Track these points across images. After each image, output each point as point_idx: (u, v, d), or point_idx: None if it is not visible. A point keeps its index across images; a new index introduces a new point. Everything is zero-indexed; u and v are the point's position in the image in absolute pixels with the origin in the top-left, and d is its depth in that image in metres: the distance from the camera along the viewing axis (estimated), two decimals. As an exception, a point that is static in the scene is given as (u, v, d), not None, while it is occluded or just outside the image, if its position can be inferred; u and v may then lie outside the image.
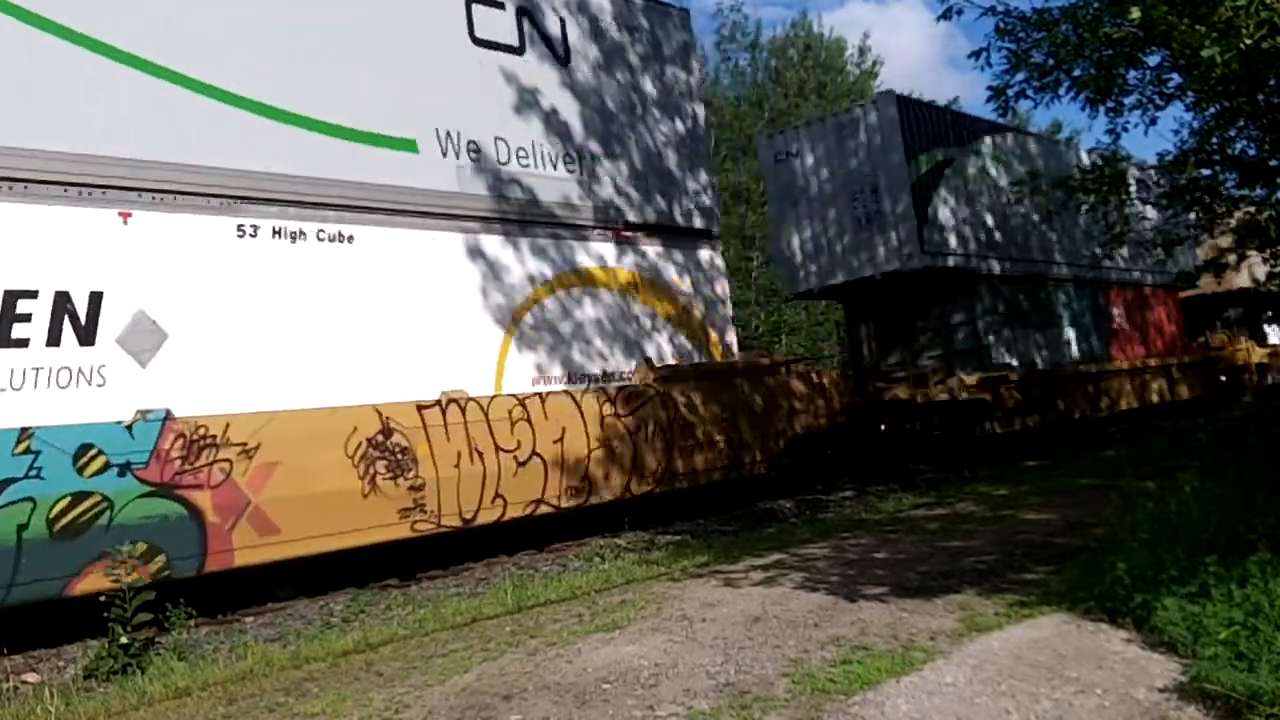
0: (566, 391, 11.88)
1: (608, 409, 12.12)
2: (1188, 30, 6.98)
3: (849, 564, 8.12)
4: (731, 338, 14.94)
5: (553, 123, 12.87)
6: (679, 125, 14.82)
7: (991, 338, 18.60)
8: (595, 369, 12.61)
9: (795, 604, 6.66)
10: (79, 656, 7.66)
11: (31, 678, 7.27)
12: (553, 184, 12.66)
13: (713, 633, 6.02)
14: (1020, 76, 9.25)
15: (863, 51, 40.60)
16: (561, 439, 11.47)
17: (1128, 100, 9.64)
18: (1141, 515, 7.09)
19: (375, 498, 9.69)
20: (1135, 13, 7.02)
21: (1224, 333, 27.82)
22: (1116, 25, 8.18)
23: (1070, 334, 21.21)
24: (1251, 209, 13.02)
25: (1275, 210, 10.84)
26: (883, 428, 18.01)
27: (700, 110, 15.37)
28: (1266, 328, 29.51)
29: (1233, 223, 14.20)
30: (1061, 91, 9.34)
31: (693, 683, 5.07)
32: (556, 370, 12.13)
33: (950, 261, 17.91)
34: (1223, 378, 26.49)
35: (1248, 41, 6.48)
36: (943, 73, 73.56)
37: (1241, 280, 26.11)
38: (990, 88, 9.41)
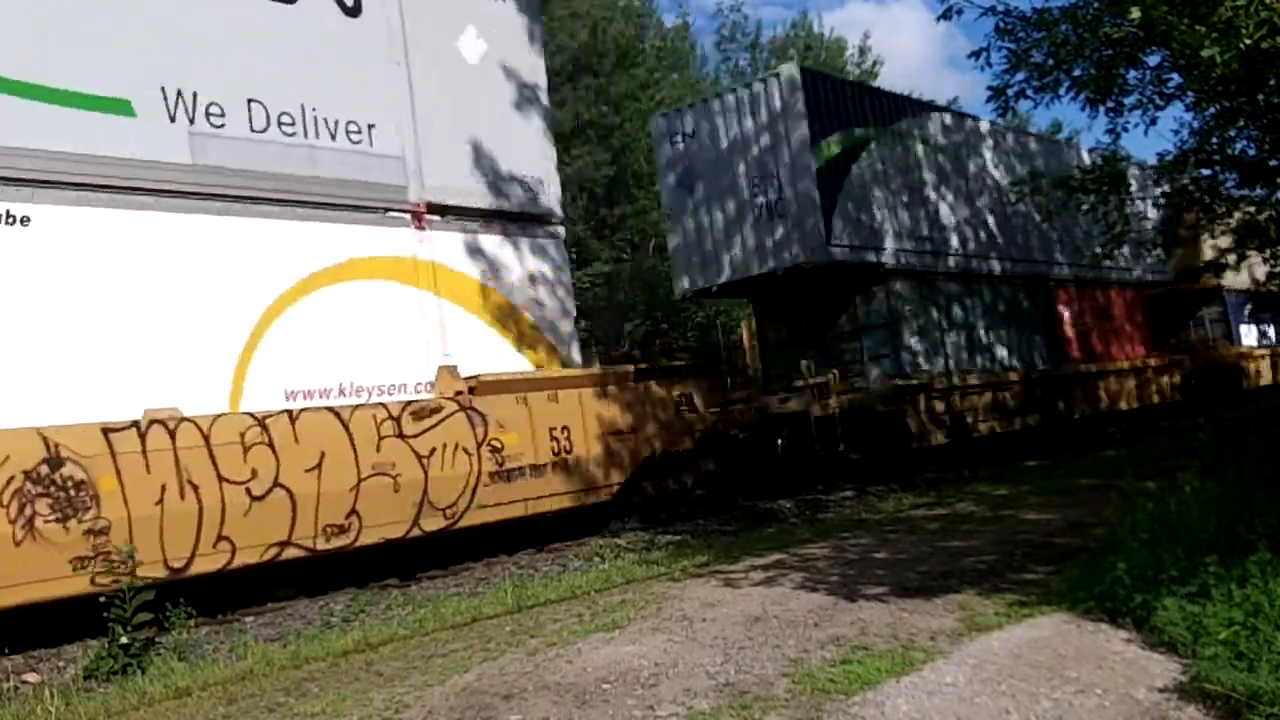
0: (330, 409, 9.70)
1: (389, 428, 9.94)
2: (1188, 30, 6.98)
3: (849, 564, 8.12)
4: (573, 341, 12.97)
5: (333, 85, 10.79)
6: (508, 92, 12.76)
7: (914, 342, 16.83)
8: (381, 380, 10.53)
9: (795, 604, 6.66)
10: (79, 656, 7.67)
11: (32, 678, 7.27)
12: (332, 157, 10.57)
13: (713, 632, 6.02)
14: (1020, 76, 9.26)
15: (863, 52, 40.65)
16: (319, 466, 9.37)
17: (1128, 100, 9.64)
18: (1141, 515, 7.09)
19: (32, 545, 7.79)
20: (1135, 13, 7.03)
21: (1197, 334, 26.50)
22: (1116, 25, 8.18)
23: (1011, 336, 19.38)
24: (1251, 209, 13.03)
25: (1275, 210, 10.84)
26: (780, 443, 15.98)
27: (539, 76, 13.25)
28: (1243, 328, 28.14)
29: (1232, 223, 14.18)
30: (1061, 91, 9.35)
31: (693, 682, 5.07)
32: (325, 382, 10.07)
33: (868, 256, 16.16)
34: (1192, 381, 25.00)
35: (1247, 41, 6.48)
36: (943, 73, 73.59)
37: (1229, 278, 25.60)
38: (990, 88, 9.43)
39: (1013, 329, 19.45)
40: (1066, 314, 21.38)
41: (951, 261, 18.28)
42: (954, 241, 18.48)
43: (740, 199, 16.07)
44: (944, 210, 18.23)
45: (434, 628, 7.35)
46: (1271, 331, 29.59)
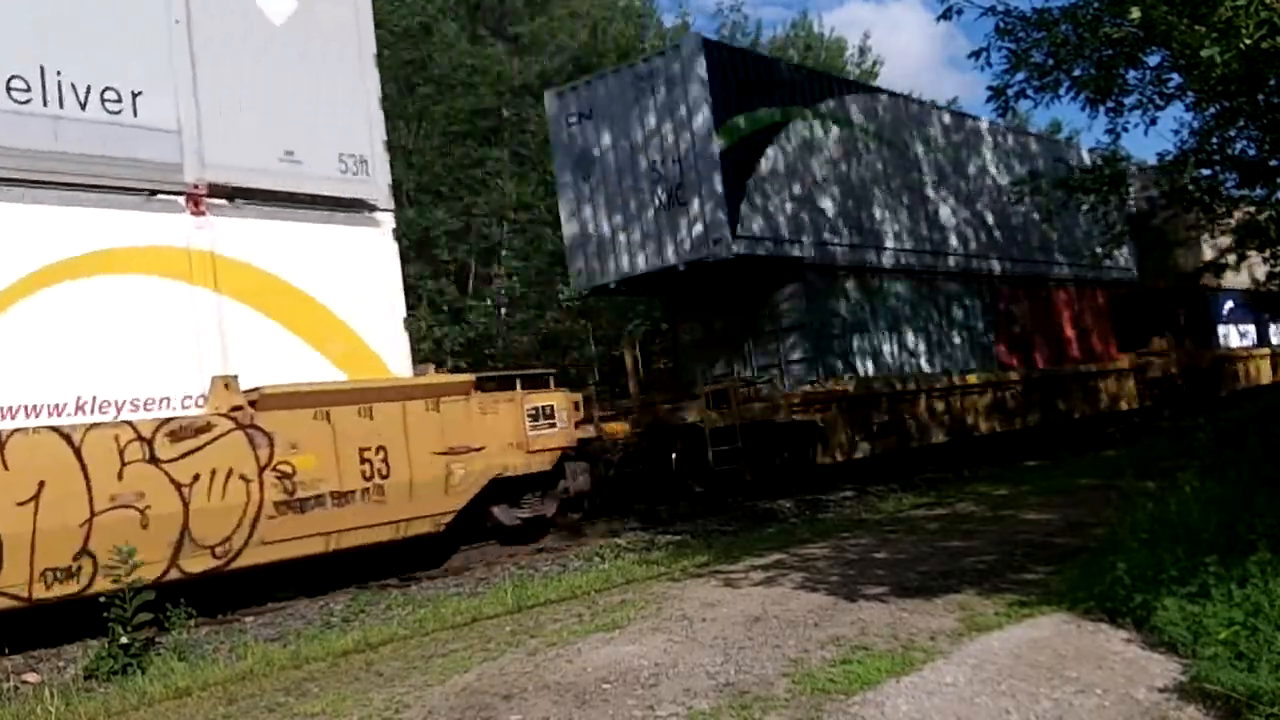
0: (55, 429, 8.04)
1: (136, 451, 8.30)
2: (1188, 30, 6.98)
3: (849, 564, 8.13)
4: (400, 347, 10.84)
5: (86, 44, 9.10)
6: (324, 59, 10.80)
7: (837, 344, 15.44)
8: (136, 394, 8.81)
9: (795, 604, 6.66)
10: (79, 656, 7.67)
11: (32, 678, 7.27)
12: (80, 129, 8.88)
13: (713, 632, 6.02)
14: (1020, 76, 9.27)
15: (863, 52, 40.64)
16: (36, 499, 7.78)
17: (1128, 100, 9.65)
18: (1141, 515, 7.09)
19: None
20: (1135, 13, 7.02)
21: (1167, 336, 24.35)
22: (1116, 25, 8.18)
23: (950, 338, 17.94)
24: (1251, 209, 13.03)
25: (1275, 210, 10.85)
26: (674, 456, 14.78)
27: (365, 41, 11.21)
28: (1221, 329, 26.88)
29: (1232, 223, 14.16)
30: (1061, 91, 9.35)
31: (693, 682, 5.07)
32: (57, 396, 8.38)
33: (787, 249, 14.68)
34: (1162, 385, 23.35)
35: (1247, 41, 6.48)
36: (942, 73, 73.62)
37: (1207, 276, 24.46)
38: (990, 88, 9.43)
39: (957, 331, 18.18)
40: (1017, 314, 20.02)
41: (889, 257, 16.89)
42: (891, 234, 17.05)
43: (639, 186, 14.66)
44: (880, 199, 16.88)
45: (434, 628, 7.35)
46: (1254, 331, 28.73)
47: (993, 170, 20.23)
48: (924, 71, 71.62)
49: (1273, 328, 29.80)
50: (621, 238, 14.87)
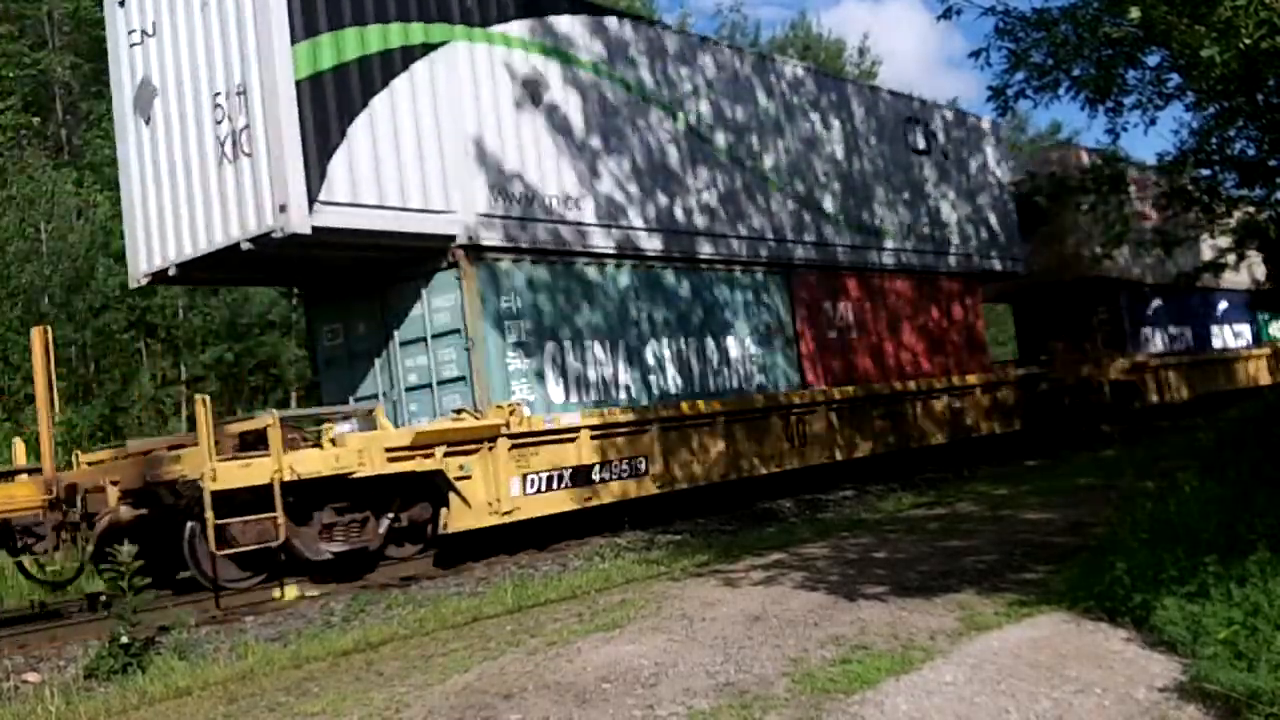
0: None
1: None
2: (1187, 30, 6.98)
3: (849, 563, 8.13)
4: None
5: None
6: None
7: (519, 360, 11.42)
8: None
9: (795, 603, 6.66)
10: (79, 656, 7.67)
11: (32, 677, 7.27)
12: None
13: (713, 632, 6.03)
14: (1020, 76, 9.26)
15: (862, 52, 40.63)
16: None
17: (1127, 100, 9.67)
18: (1141, 515, 7.11)
19: None
20: (1135, 12, 7.02)
21: (1061, 341, 20.67)
22: (1116, 25, 8.18)
23: (719, 347, 13.82)
24: (1251, 209, 13.04)
25: (1274, 210, 10.86)
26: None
27: None
28: (1145, 331, 23.02)
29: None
30: (1061, 91, 9.35)
31: (693, 682, 5.07)
32: None
33: (431, 225, 10.75)
34: (1046, 403, 19.46)
35: (1247, 41, 6.48)
36: (941, 72, 73.58)
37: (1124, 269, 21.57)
38: (990, 87, 9.44)
39: (731, 337, 14.04)
40: (830, 312, 15.66)
41: (612, 237, 12.55)
42: (605, 203, 12.60)
43: (202, 130, 10.70)
44: (587, 155, 12.55)
45: (434, 627, 7.35)
46: (1189, 334, 24.90)
47: (808, 125, 16.09)
48: (921, 71, 71.56)
49: (1221, 329, 26.73)
50: (185, 203, 10.89)
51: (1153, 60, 9.31)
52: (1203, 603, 5.17)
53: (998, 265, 19.83)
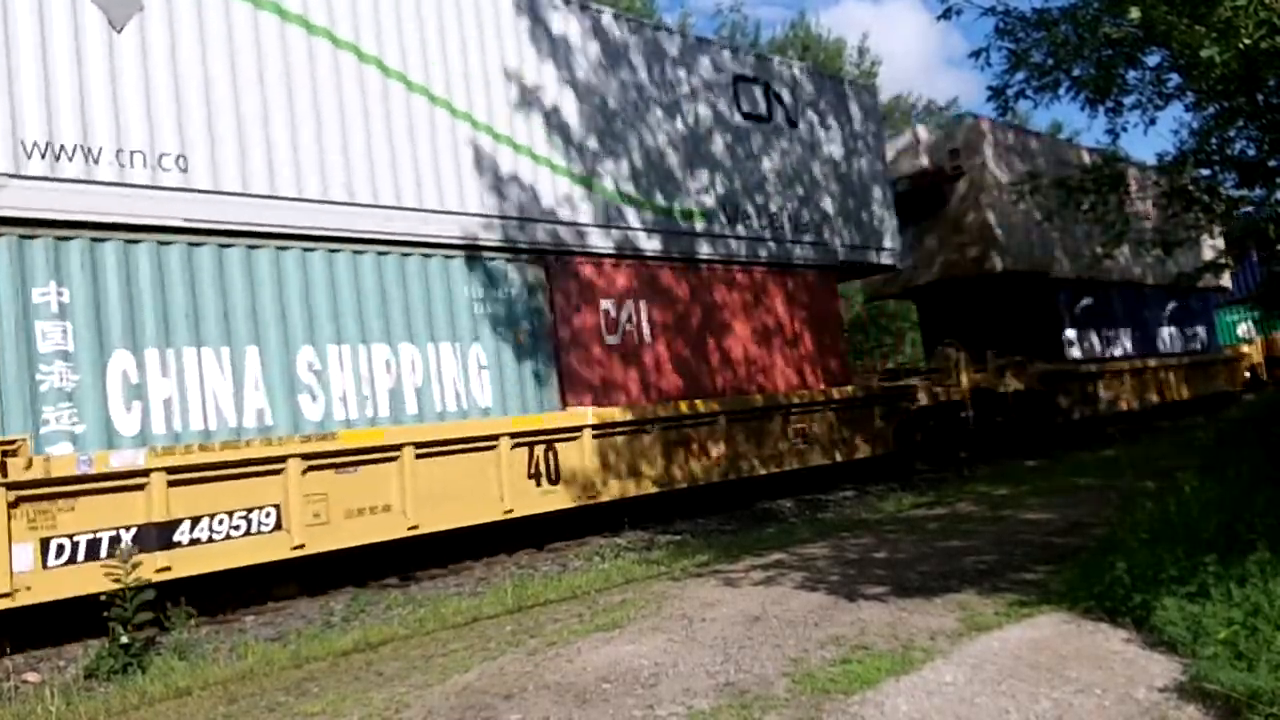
0: None
1: None
2: (1187, 30, 6.99)
3: (849, 564, 8.13)
4: None
5: None
6: None
7: (114, 377, 8.39)
8: None
9: (795, 603, 6.67)
10: (79, 656, 7.67)
11: (32, 677, 7.27)
12: None
13: (713, 632, 6.03)
14: (1020, 76, 9.27)
15: (862, 52, 40.62)
16: None
17: (1127, 100, 9.66)
18: (1141, 515, 7.12)
19: None
20: (1135, 13, 7.03)
21: (955, 344, 17.19)
22: (1116, 25, 8.19)
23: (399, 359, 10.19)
24: (1250, 209, 13.01)
25: (1274, 210, 10.86)
26: None
27: None
28: (1087, 333, 20.77)
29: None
30: (1061, 91, 9.35)
31: (693, 682, 5.08)
32: None
33: None
34: (930, 420, 16.52)
35: (1247, 41, 6.49)
36: (938, 72, 73.55)
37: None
38: (990, 87, 9.43)
39: (445, 324, 10.75)
40: (613, 315, 12.44)
41: (216, 208, 9.19)
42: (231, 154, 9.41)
43: None
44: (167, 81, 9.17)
45: (434, 627, 7.35)
46: (1129, 340, 22.13)
47: (587, 76, 12.89)
48: (919, 71, 71.51)
49: (1175, 330, 24.35)
50: None
51: (1152, 60, 9.32)
52: (1203, 603, 5.17)
53: (873, 258, 16.70)
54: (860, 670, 5.00)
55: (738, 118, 14.91)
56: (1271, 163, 10.31)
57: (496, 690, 5.26)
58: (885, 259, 17.16)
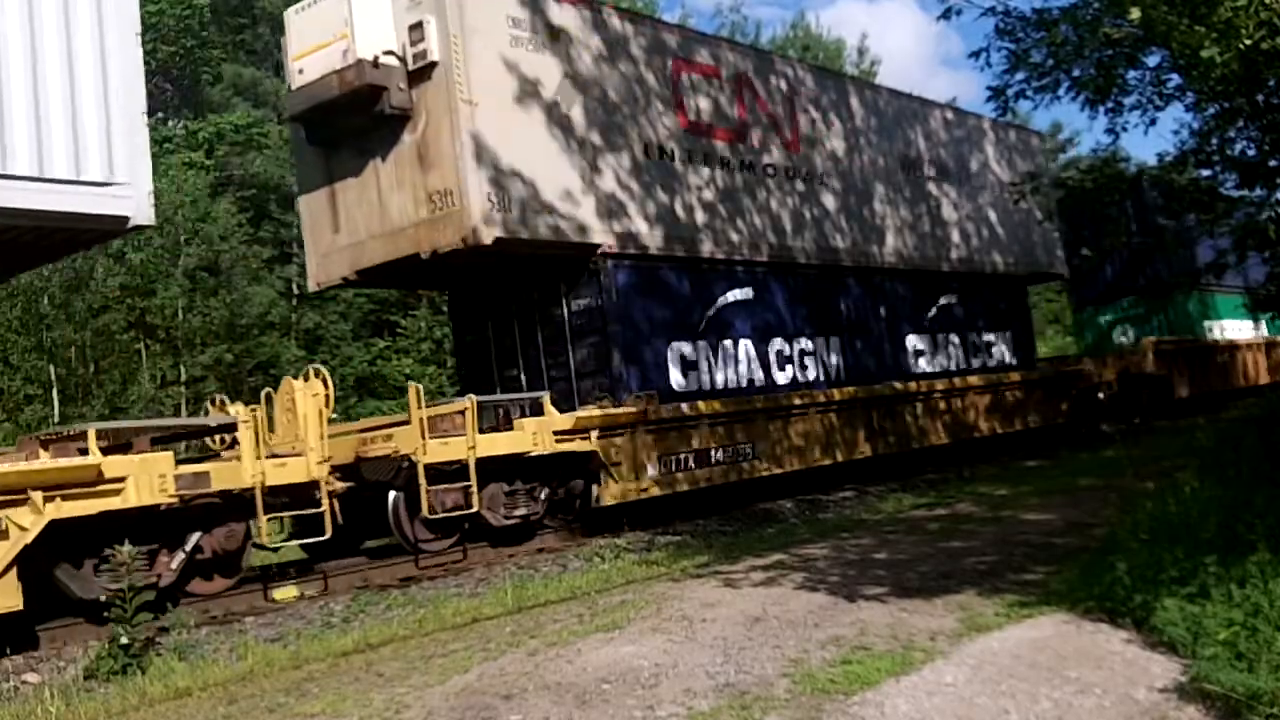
0: None
1: None
2: (1187, 31, 6.98)
3: (849, 564, 8.13)
4: None
5: None
6: None
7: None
8: None
9: (795, 604, 6.66)
10: (79, 657, 7.67)
11: (32, 678, 7.27)
12: None
13: (713, 633, 6.03)
14: (1020, 76, 9.28)
15: (861, 52, 40.62)
16: None
17: (1127, 100, 9.67)
18: (1141, 515, 7.10)
19: None
20: (1135, 13, 7.03)
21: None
22: (1116, 25, 8.19)
23: None
24: (1251, 209, 13.01)
25: (1275, 211, 10.86)
26: None
27: None
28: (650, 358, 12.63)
29: None
30: (1061, 91, 9.37)
31: (693, 683, 5.07)
32: None
33: None
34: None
35: (1247, 42, 6.48)
36: (935, 72, 73.60)
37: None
38: (990, 88, 9.45)
39: None
40: None
41: None
42: None
43: None
44: None
45: (434, 628, 7.35)
46: (834, 359, 15.05)
47: None
48: (917, 70, 71.49)
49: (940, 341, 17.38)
50: None
51: (1153, 61, 9.33)
52: (1203, 603, 5.17)
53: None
54: (860, 671, 5.00)
55: None
56: (1272, 163, 10.31)
57: (496, 691, 5.25)
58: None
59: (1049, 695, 4.57)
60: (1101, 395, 19.44)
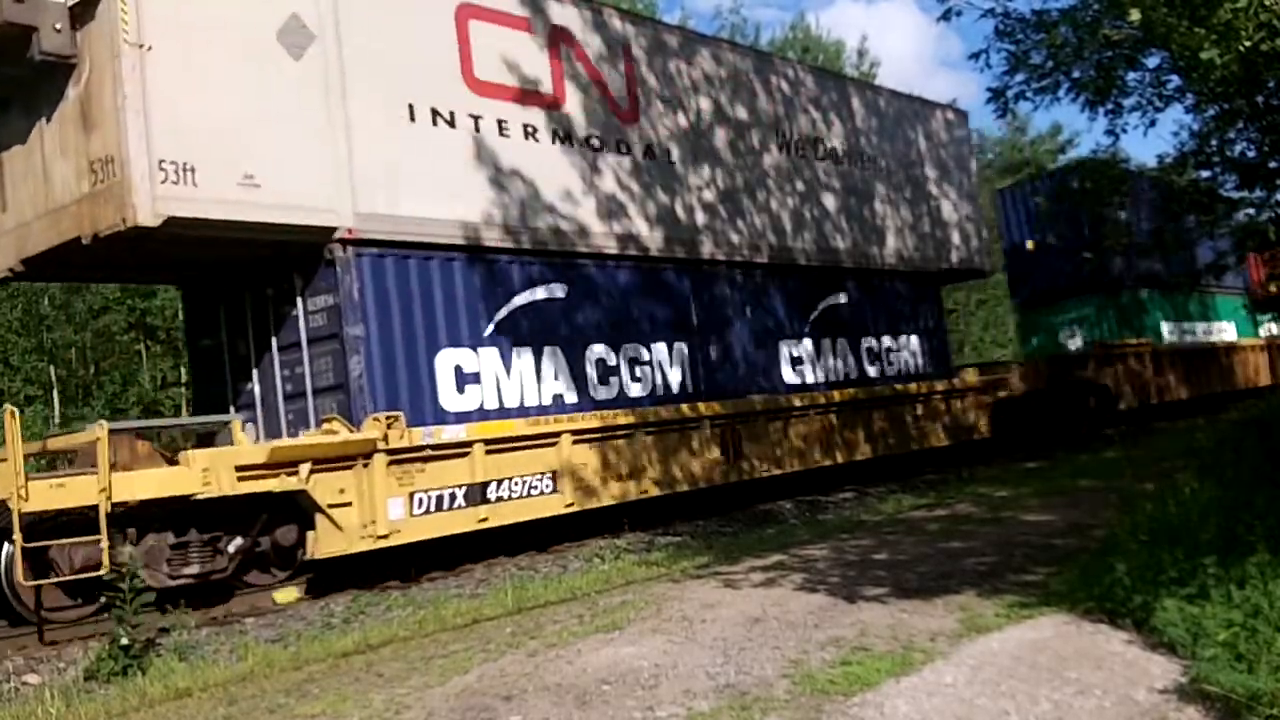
0: None
1: None
2: (1187, 32, 7.00)
3: (849, 565, 8.13)
4: None
5: None
6: None
7: None
8: None
9: (795, 605, 6.66)
10: (80, 657, 7.67)
11: (32, 678, 7.28)
12: None
13: (713, 633, 6.03)
14: (1019, 78, 9.28)
15: (861, 54, 40.61)
16: None
17: (1127, 102, 9.68)
18: (1141, 516, 7.10)
19: None
20: (1135, 14, 7.04)
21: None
22: (1116, 27, 8.20)
23: None
24: (1250, 210, 13.03)
25: (1274, 212, 10.88)
26: None
27: None
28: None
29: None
30: (1061, 93, 9.37)
31: (692, 683, 5.08)
32: None
33: None
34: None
35: (1247, 43, 6.50)
36: (934, 71, 73.60)
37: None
38: (990, 89, 9.45)
39: None
40: None
41: None
42: None
43: None
44: None
45: (434, 629, 7.36)
46: (669, 373, 12.94)
47: None
48: (916, 70, 71.44)
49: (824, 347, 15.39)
50: None
51: (1152, 62, 9.34)
52: (1203, 604, 5.17)
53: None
54: (860, 671, 5.00)
55: None
56: (1272, 164, 10.32)
57: (496, 691, 5.26)
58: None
59: (1049, 696, 4.57)
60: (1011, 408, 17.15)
